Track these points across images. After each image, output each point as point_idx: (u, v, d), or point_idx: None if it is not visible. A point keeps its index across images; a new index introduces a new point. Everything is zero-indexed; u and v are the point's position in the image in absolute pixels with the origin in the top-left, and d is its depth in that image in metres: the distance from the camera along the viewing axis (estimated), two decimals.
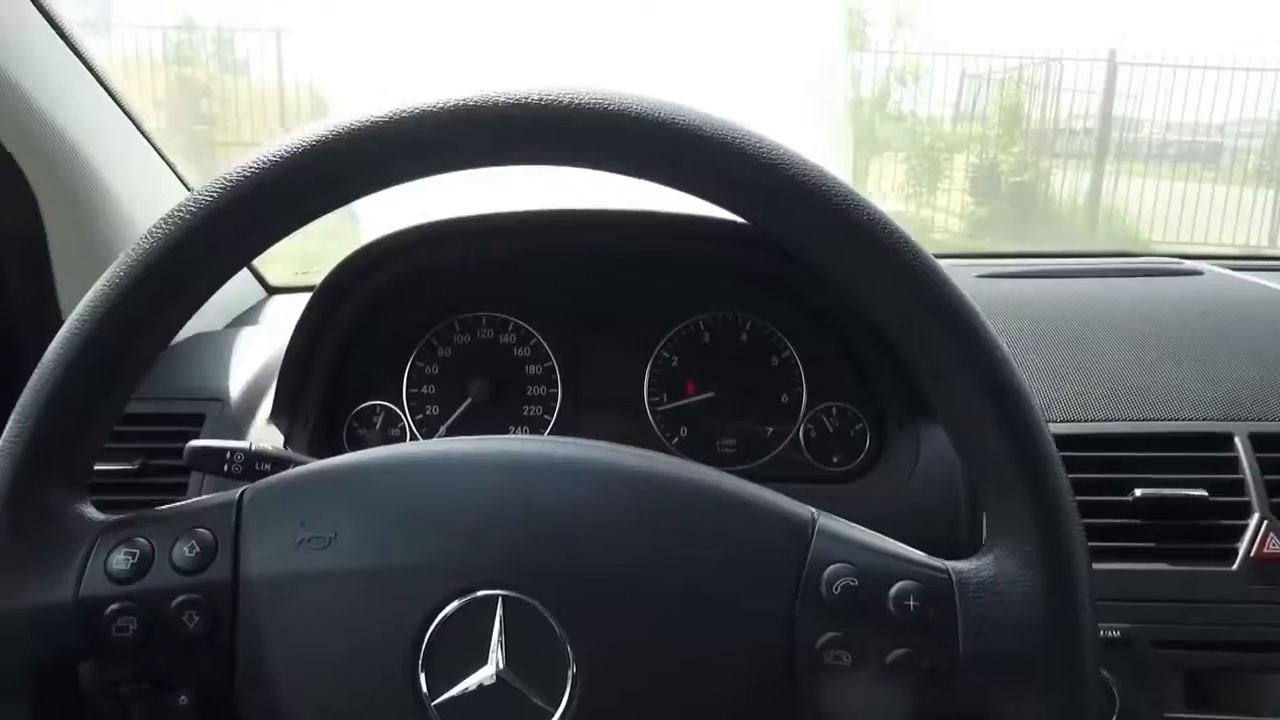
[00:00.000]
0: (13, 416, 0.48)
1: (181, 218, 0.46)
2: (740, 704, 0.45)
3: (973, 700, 0.44)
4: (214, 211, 0.46)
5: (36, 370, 0.48)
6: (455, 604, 0.45)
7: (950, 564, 0.46)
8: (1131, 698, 0.67)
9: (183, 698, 0.75)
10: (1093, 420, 0.77)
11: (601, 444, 0.49)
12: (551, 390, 0.86)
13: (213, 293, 0.50)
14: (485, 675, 0.45)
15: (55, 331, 0.91)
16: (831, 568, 0.45)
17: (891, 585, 0.45)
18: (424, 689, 0.45)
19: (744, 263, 0.82)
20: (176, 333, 0.51)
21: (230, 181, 0.46)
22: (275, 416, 0.83)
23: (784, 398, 0.84)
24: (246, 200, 0.46)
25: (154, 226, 0.46)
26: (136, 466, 0.81)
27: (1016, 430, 0.44)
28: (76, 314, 0.47)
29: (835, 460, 0.83)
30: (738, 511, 0.47)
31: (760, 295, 0.84)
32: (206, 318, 1.03)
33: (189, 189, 1.04)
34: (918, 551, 0.47)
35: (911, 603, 0.44)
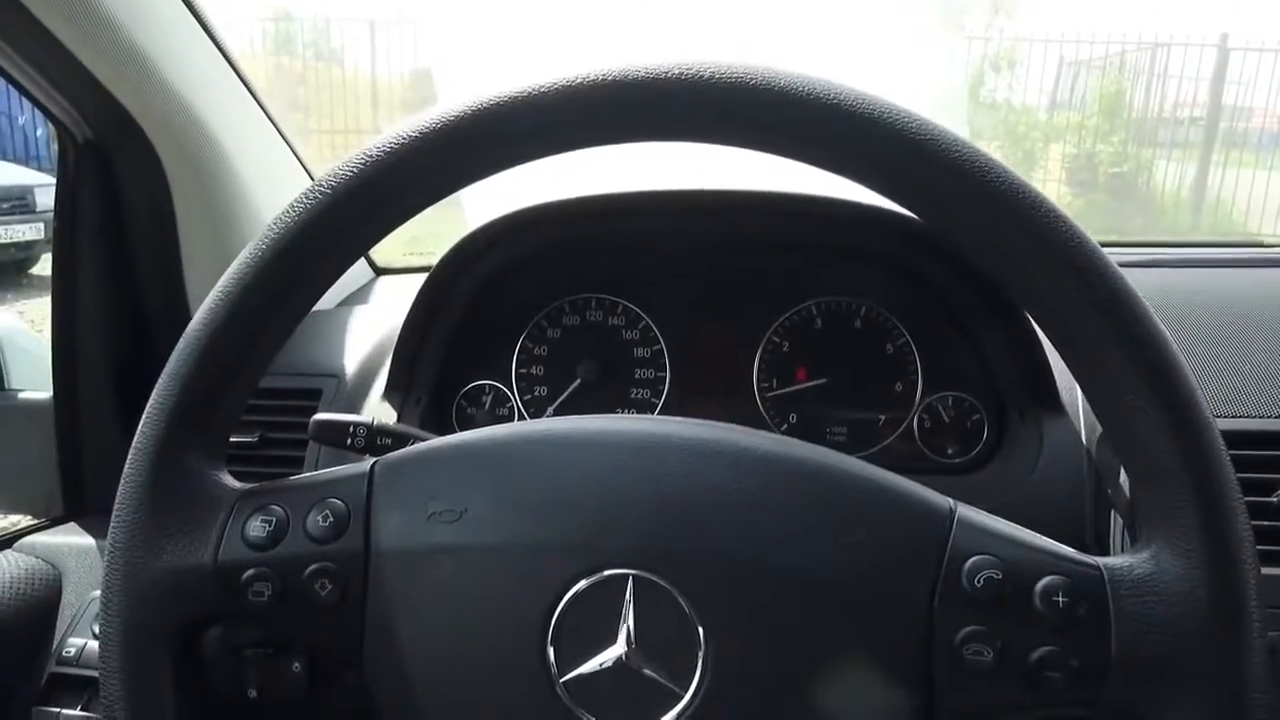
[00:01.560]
0: (160, 382, 0.49)
1: (316, 198, 0.47)
2: (872, 698, 0.44)
3: (1122, 704, 0.42)
4: (350, 190, 0.46)
5: (183, 339, 0.49)
6: (585, 582, 0.45)
7: (1102, 560, 0.44)
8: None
9: (296, 665, 0.78)
10: (1239, 416, 0.73)
11: (735, 427, 0.48)
12: (660, 374, 0.85)
13: (343, 272, 0.51)
14: (614, 655, 0.44)
15: (182, 308, 0.94)
16: (974, 559, 0.44)
17: (1038, 580, 0.43)
18: (552, 666, 0.44)
19: (865, 246, 0.81)
20: (311, 307, 0.52)
21: (370, 158, 0.46)
22: (389, 393, 0.84)
23: (898, 386, 0.82)
24: (382, 179, 0.46)
25: (289, 206, 0.47)
26: (256, 439, 0.83)
27: (1183, 423, 0.41)
28: (221, 286, 0.49)
29: (950, 452, 0.81)
30: (873, 499, 0.46)
31: (878, 280, 0.82)
32: None
33: (310, 174, 1.06)
34: (1065, 546, 0.45)
35: (1060, 599, 0.42)
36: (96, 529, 0.91)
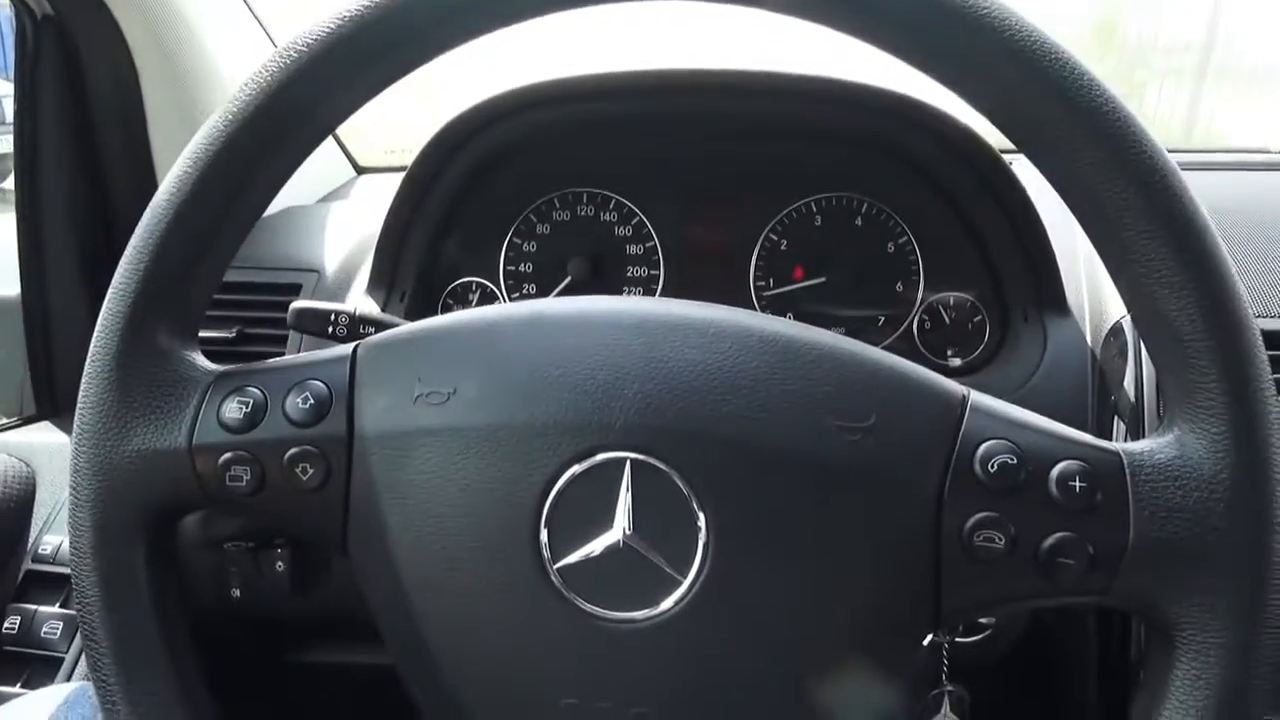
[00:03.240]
0: (125, 256, 0.46)
1: (282, 64, 0.43)
2: (878, 588, 0.42)
3: (1137, 592, 0.41)
4: (317, 56, 0.43)
5: (149, 210, 0.46)
6: (580, 465, 0.42)
7: (1121, 446, 0.42)
8: None
9: (279, 564, 0.77)
10: (1270, 316, 0.70)
11: (737, 309, 0.46)
12: (653, 272, 0.82)
13: (317, 143, 0.47)
14: (610, 540, 0.42)
15: (151, 187, 0.90)
16: (987, 444, 0.42)
17: (1054, 465, 0.41)
18: (546, 552, 0.43)
19: (868, 132, 0.77)
20: (284, 180, 0.49)
21: (339, 22, 0.43)
22: (372, 289, 0.81)
23: (898, 285, 0.80)
24: (353, 42, 0.43)
25: (255, 72, 0.44)
26: (234, 335, 0.80)
27: (1216, 303, 0.39)
28: (188, 154, 0.45)
29: (949, 354, 0.79)
30: (883, 383, 0.43)
31: (881, 175, 0.79)
32: (297, 193, 1.02)
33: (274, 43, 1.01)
34: (1083, 432, 0.43)
35: (1077, 484, 0.41)
36: (70, 427, 0.88)
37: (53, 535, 0.79)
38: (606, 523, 0.42)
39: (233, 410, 0.46)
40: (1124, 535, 0.40)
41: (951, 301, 0.79)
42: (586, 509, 0.42)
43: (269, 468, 0.46)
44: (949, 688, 0.70)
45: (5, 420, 0.92)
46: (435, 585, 0.44)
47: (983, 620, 0.70)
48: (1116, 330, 0.73)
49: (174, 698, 0.45)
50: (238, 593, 0.80)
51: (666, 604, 0.42)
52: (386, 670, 0.89)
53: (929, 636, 0.67)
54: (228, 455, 0.45)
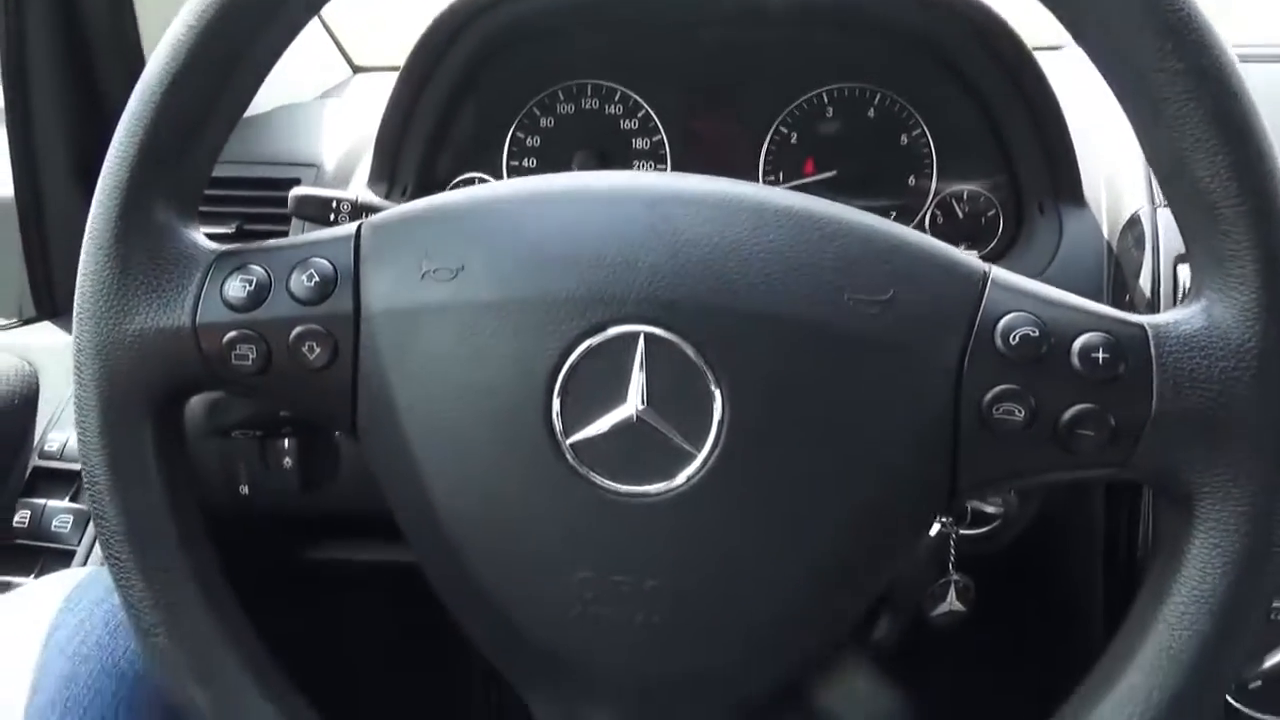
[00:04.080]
0: (119, 128, 0.45)
1: None
2: (894, 463, 0.42)
3: (1157, 464, 0.40)
4: None
5: (141, 82, 0.44)
6: (592, 339, 0.42)
7: (1146, 318, 0.41)
8: None
9: (286, 460, 0.77)
10: None
11: (752, 183, 0.44)
12: (660, 166, 0.80)
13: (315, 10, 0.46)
14: (624, 414, 0.42)
15: (136, 60, 0.87)
16: (1008, 317, 0.41)
17: (1077, 337, 0.40)
18: (558, 427, 0.42)
19: (892, 23, 0.75)
20: (283, 49, 0.47)
21: None
22: (373, 184, 0.79)
23: (911, 179, 0.78)
24: None
25: None
26: (233, 230, 0.79)
27: (1250, 165, 0.38)
28: (178, 24, 0.44)
29: (963, 246, 0.77)
30: (903, 257, 0.42)
31: (897, 65, 0.76)
32: (293, 93, 0.99)
33: None
34: (1106, 306, 0.42)
35: (1100, 355, 0.40)
36: (70, 327, 0.88)
37: (58, 432, 0.78)
38: (620, 397, 0.42)
39: (236, 288, 0.45)
40: (1146, 406, 0.40)
41: (965, 194, 0.77)
42: (599, 383, 0.42)
43: (275, 347, 0.45)
44: (955, 577, 0.71)
45: (5, 321, 0.91)
46: (446, 463, 0.44)
47: (990, 510, 0.70)
48: (1133, 222, 0.72)
49: (188, 576, 0.45)
50: (246, 489, 0.80)
51: (681, 478, 0.41)
52: (399, 567, 0.90)
53: (940, 519, 0.68)
54: (233, 334, 0.45)
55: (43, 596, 0.55)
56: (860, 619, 0.47)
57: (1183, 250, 0.70)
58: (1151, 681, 0.39)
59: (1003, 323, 0.41)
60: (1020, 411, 0.41)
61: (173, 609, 0.45)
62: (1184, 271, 0.67)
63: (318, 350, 0.45)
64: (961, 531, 0.72)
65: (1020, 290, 0.42)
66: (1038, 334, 0.40)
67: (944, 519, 0.70)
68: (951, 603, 0.71)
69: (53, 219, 0.90)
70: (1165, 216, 0.71)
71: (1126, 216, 0.73)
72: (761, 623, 0.43)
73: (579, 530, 0.42)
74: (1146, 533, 0.70)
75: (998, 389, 0.41)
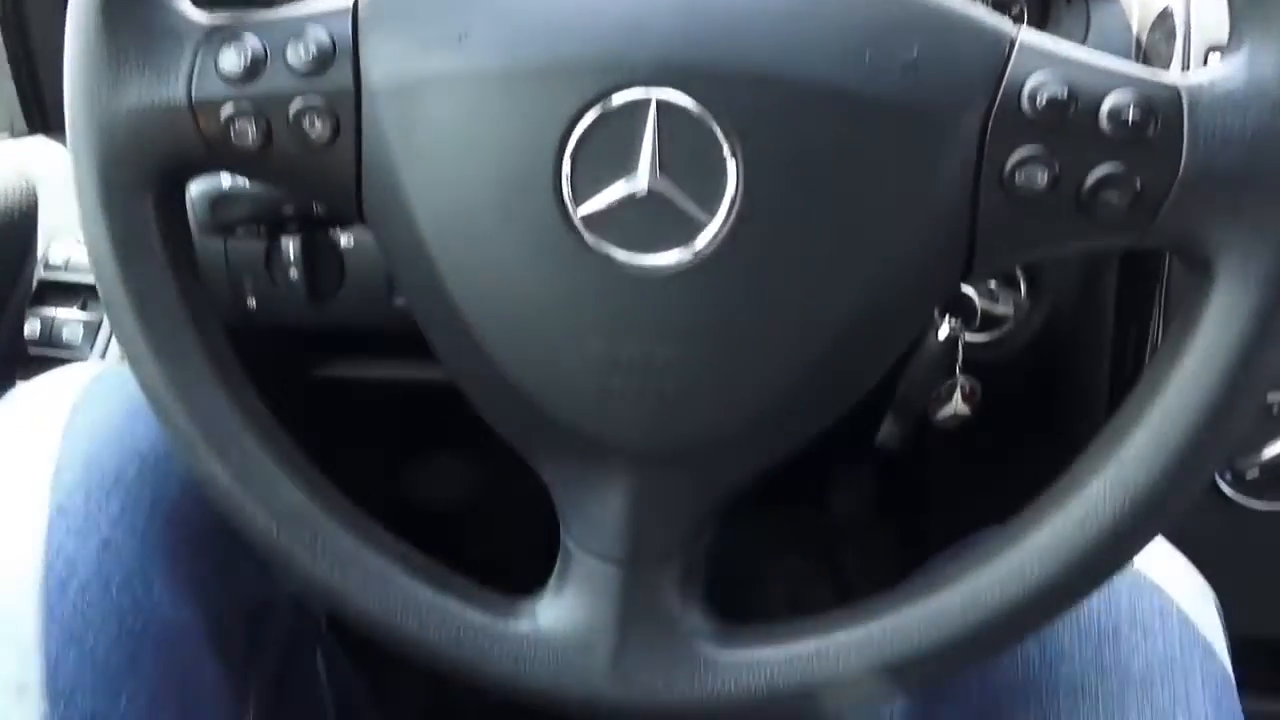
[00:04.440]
0: None
1: None
2: (911, 231, 0.41)
3: (1181, 229, 0.40)
4: None
5: None
6: (602, 106, 0.40)
7: (1179, 77, 0.39)
8: None
9: (293, 271, 0.76)
10: None
11: None
12: None
13: None
14: (636, 183, 0.41)
15: None
16: (1035, 76, 0.39)
17: (1106, 96, 0.39)
18: (568, 198, 0.41)
19: None
20: None
21: None
22: None
23: None
24: None
25: None
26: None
27: None
28: None
29: None
30: (926, 15, 0.40)
31: None
32: None
33: None
34: (1139, 65, 0.40)
35: (1130, 115, 0.38)
36: (64, 140, 0.86)
37: (61, 244, 0.78)
38: (631, 166, 0.41)
39: (231, 60, 0.43)
40: (1174, 168, 0.38)
41: None
42: (610, 152, 0.41)
43: (275, 122, 0.43)
44: (961, 380, 0.72)
45: None
46: (455, 239, 0.43)
47: (999, 311, 0.70)
48: (1164, 15, 0.70)
49: (201, 355, 0.46)
50: (253, 303, 0.80)
51: (694, 247, 0.41)
52: (410, 384, 0.91)
53: (950, 322, 0.68)
54: (230, 109, 0.43)
55: (59, 387, 0.55)
56: (866, 405, 0.47)
57: (1214, 43, 0.67)
58: (1160, 437, 0.40)
59: (1030, 82, 0.39)
60: (1043, 175, 0.39)
61: (187, 387, 0.45)
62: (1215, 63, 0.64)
63: (319, 126, 0.43)
64: (969, 337, 0.73)
65: (1049, 51, 0.40)
66: (1065, 94, 0.39)
67: (953, 321, 0.70)
68: (957, 405, 0.72)
69: (37, 29, 0.87)
70: (1197, 8, 0.68)
71: (1157, 10, 0.71)
72: (774, 393, 0.43)
73: (590, 302, 0.42)
74: (1155, 343, 0.70)
75: (1021, 153, 0.39)
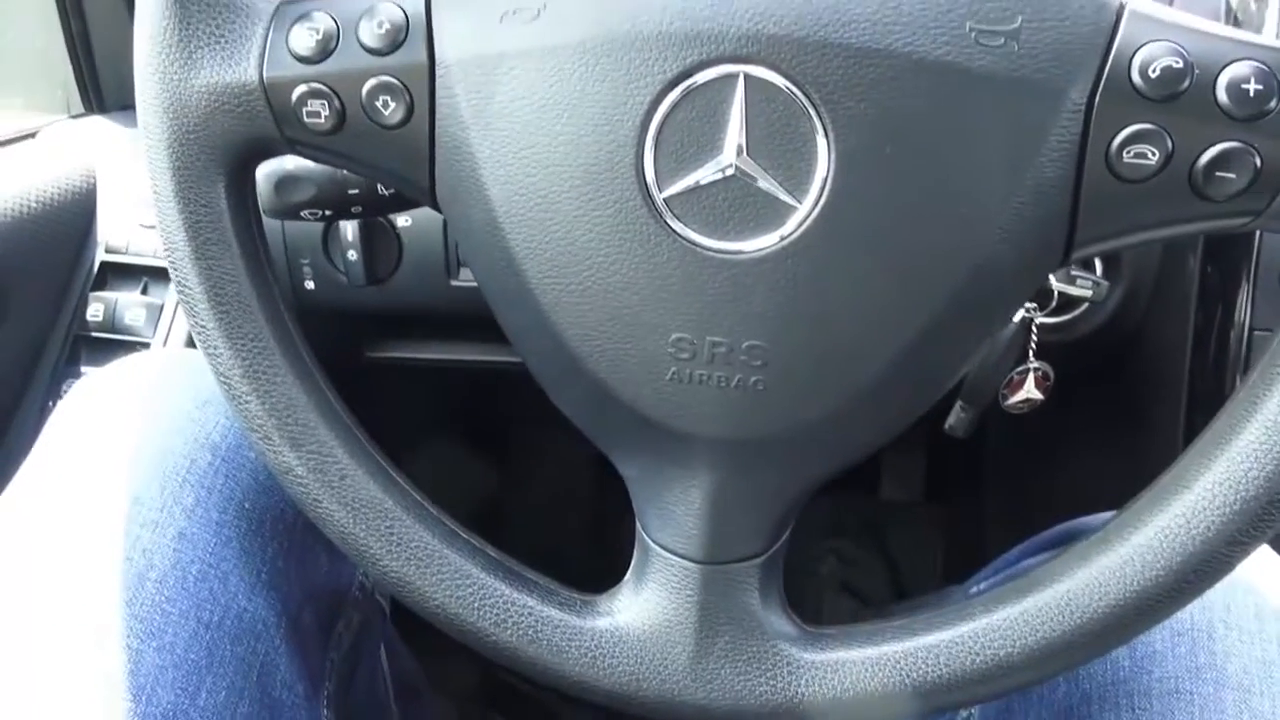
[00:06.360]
0: None
1: None
2: (1011, 213, 0.39)
3: None
4: None
5: None
6: (687, 82, 0.39)
7: None
8: None
9: (351, 253, 0.76)
10: None
11: None
12: None
13: None
14: (722, 164, 0.39)
15: None
16: (1148, 47, 0.37)
17: (1224, 68, 0.37)
18: (650, 180, 0.40)
19: None
20: None
21: None
22: None
23: None
24: None
25: None
26: None
27: None
28: None
29: None
30: None
31: None
32: None
33: None
34: (1257, 35, 0.38)
35: (1251, 87, 0.36)
36: (122, 122, 0.86)
37: (120, 226, 0.78)
38: (717, 146, 0.39)
39: (303, 38, 0.42)
40: None
41: None
42: (695, 130, 0.39)
43: (348, 101, 0.42)
44: (1034, 364, 0.70)
45: (55, 118, 0.89)
46: (531, 222, 0.42)
47: (1075, 293, 0.68)
48: None
49: (275, 343, 0.45)
50: (311, 285, 0.80)
51: (782, 232, 0.39)
52: (465, 367, 0.90)
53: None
54: (302, 88, 0.42)
55: (131, 376, 0.55)
56: (951, 386, 0.45)
57: None
58: (1278, 431, 0.38)
59: (1141, 54, 0.37)
60: (1154, 154, 0.37)
61: (263, 378, 0.45)
62: None
63: (392, 105, 0.42)
64: (1042, 319, 0.70)
65: (1160, 19, 0.38)
66: (1181, 65, 0.37)
67: (1027, 305, 0.68)
68: (1030, 390, 0.70)
69: (94, 9, 0.86)
70: None
71: None
72: (862, 383, 0.41)
73: (673, 289, 0.41)
74: (1241, 325, 0.67)
75: (1132, 129, 0.37)
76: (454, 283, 0.78)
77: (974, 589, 0.64)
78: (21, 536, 0.48)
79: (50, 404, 0.74)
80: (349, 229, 0.73)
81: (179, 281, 0.45)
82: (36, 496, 0.50)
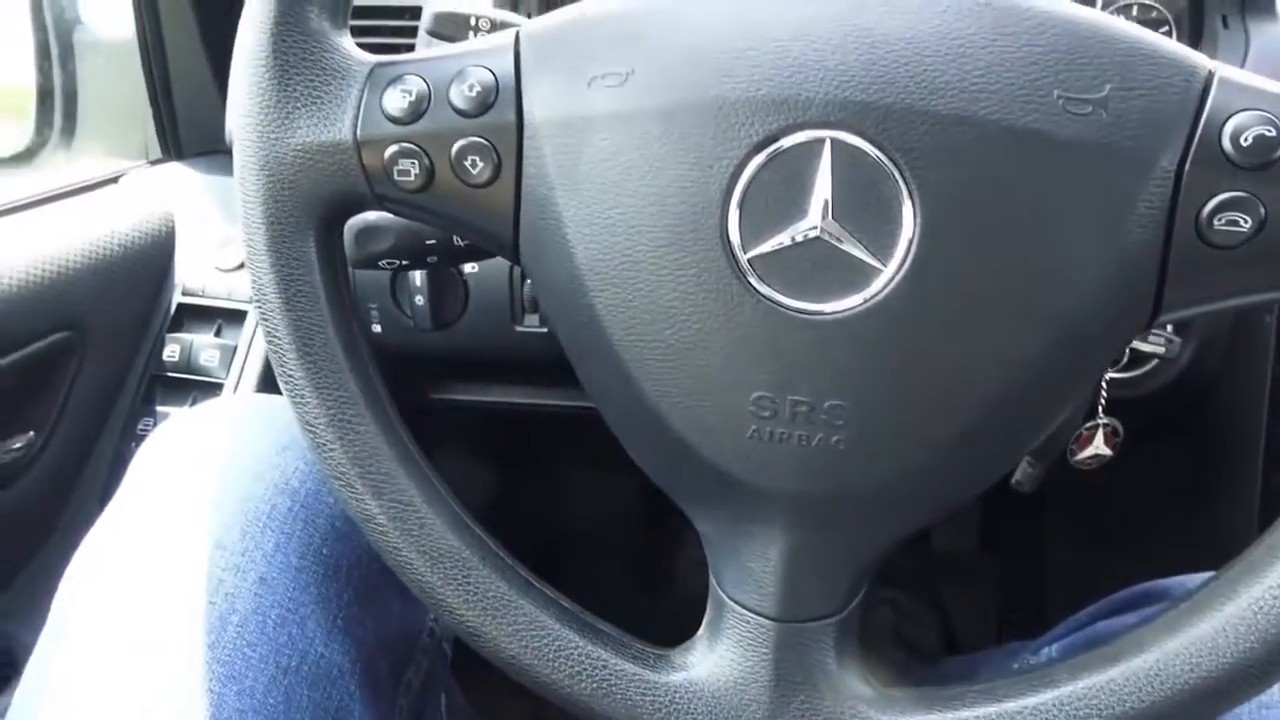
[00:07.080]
0: None
1: None
2: (1098, 280, 0.39)
3: None
4: None
5: None
6: (773, 146, 0.39)
7: None
8: None
9: (419, 298, 0.77)
10: None
11: None
12: None
13: None
14: (807, 226, 0.39)
15: None
16: (1239, 116, 0.37)
17: None
18: (735, 241, 0.40)
19: None
20: None
21: None
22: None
23: None
24: None
25: None
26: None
27: None
28: None
29: None
30: (1117, 50, 0.38)
31: None
32: None
33: None
34: None
35: None
36: (199, 168, 0.89)
37: (197, 269, 0.80)
38: (802, 209, 0.39)
39: (396, 100, 0.43)
40: None
41: (1135, 10, 0.71)
42: (780, 193, 0.39)
43: (437, 161, 0.43)
44: (1104, 420, 0.69)
45: (136, 164, 0.93)
46: (615, 280, 0.43)
47: (1147, 349, 0.67)
48: None
49: (359, 393, 0.46)
50: (378, 328, 0.81)
51: (867, 293, 0.39)
52: (526, 410, 0.91)
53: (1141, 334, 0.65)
54: (394, 148, 0.43)
55: (213, 420, 0.56)
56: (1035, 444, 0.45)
57: None
58: None
59: (1232, 123, 0.37)
60: (1247, 221, 0.37)
61: (347, 427, 0.46)
62: None
63: (480, 165, 0.43)
64: (1113, 374, 0.70)
65: (1252, 87, 0.38)
66: (1275, 134, 0.36)
67: None
68: (1099, 446, 0.69)
69: (175, 59, 0.90)
70: None
71: None
72: (942, 445, 0.41)
73: (755, 349, 0.41)
74: None
75: (1223, 197, 0.37)
76: (518, 328, 0.79)
77: (1044, 648, 0.63)
78: (108, 577, 0.49)
79: (126, 441, 0.76)
80: (417, 275, 0.74)
81: (268, 332, 0.46)
82: (123, 538, 0.51)
